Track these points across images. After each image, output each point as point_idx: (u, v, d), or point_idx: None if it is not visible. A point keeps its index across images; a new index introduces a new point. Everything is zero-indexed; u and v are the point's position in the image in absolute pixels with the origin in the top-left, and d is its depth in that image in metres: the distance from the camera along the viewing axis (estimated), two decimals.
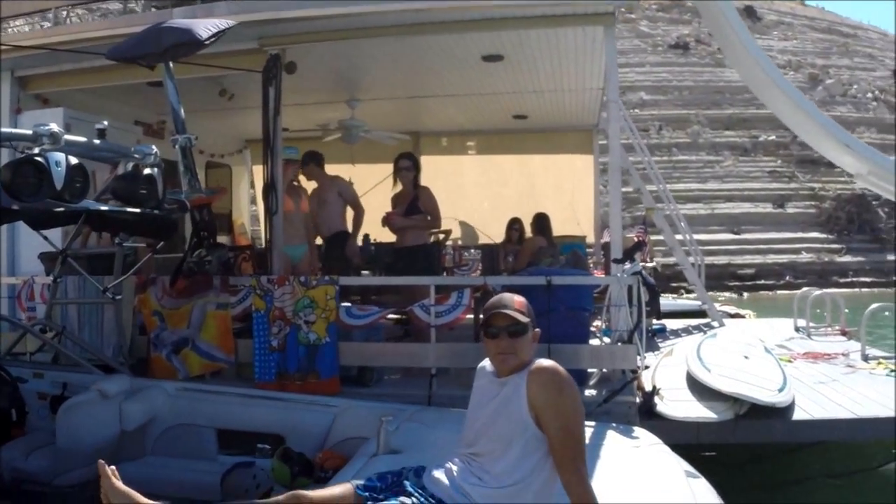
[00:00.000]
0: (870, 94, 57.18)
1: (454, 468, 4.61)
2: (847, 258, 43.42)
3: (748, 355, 11.07)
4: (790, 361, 12.40)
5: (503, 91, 14.24)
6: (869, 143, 47.41)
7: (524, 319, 4.57)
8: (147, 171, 6.49)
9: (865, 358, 12.82)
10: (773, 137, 51.42)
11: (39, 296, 10.51)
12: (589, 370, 9.74)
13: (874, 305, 14.36)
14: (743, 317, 20.41)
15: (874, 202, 46.57)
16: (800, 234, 44.93)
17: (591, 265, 16.58)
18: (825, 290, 18.86)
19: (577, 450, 4.30)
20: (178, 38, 7.38)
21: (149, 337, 9.88)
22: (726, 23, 10.65)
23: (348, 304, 10.03)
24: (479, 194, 18.81)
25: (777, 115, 11.88)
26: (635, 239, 10.39)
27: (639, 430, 7.15)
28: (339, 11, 10.08)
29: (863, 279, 41.05)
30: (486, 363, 4.85)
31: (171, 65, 7.58)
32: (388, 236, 12.21)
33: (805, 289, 20.00)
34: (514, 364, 4.53)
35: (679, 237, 18.36)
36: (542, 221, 14.69)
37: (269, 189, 10.28)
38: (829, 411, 9.43)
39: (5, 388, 7.90)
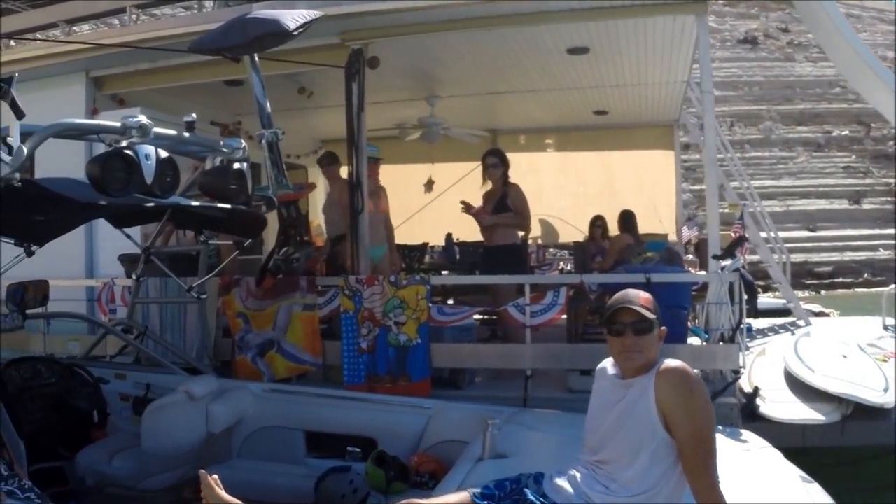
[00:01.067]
0: None
1: (578, 476, 4.37)
2: None
3: (846, 354, 10.73)
4: (885, 361, 11.99)
5: (585, 86, 13.96)
6: None
7: (651, 316, 4.33)
8: (236, 165, 6.29)
9: None
10: (846, 132, 50.92)
11: (120, 298, 10.40)
12: None
13: None
14: (827, 315, 20.00)
15: None
16: (877, 231, 44.24)
17: None
18: None
19: (708, 456, 4.04)
20: (264, 29, 7.16)
21: (233, 339, 9.75)
22: (825, 15, 10.29)
23: (439, 303, 9.82)
24: (557, 192, 18.50)
25: (876, 105, 11.52)
26: (733, 234, 10.03)
27: (746, 433, 6.91)
28: (424, 4, 9.90)
29: None
30: (608, 364, 4.60)
31: (256, 58, 7.35)
32: (473, 235, 11.97)
33: (893, 286, 19.48)
34: (640, 364, 4.29)
35: (763, 234, 18.03)
36: (628, 219, 14.35)
37: (355, 188, 10.05)
38: None
39: (86, 388, 7.84)
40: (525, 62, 12.40)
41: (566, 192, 18.83)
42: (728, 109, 52.51)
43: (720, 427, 6.91)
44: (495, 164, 11.24)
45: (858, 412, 8.62)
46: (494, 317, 10.73)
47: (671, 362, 4.25)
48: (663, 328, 4.43)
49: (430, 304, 9.37)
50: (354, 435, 7.71)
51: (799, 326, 15.54)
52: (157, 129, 5.41)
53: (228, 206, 6.92)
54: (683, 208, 20.34)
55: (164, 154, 5.36)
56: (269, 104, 7.53)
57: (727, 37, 61.51)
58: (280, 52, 8.55)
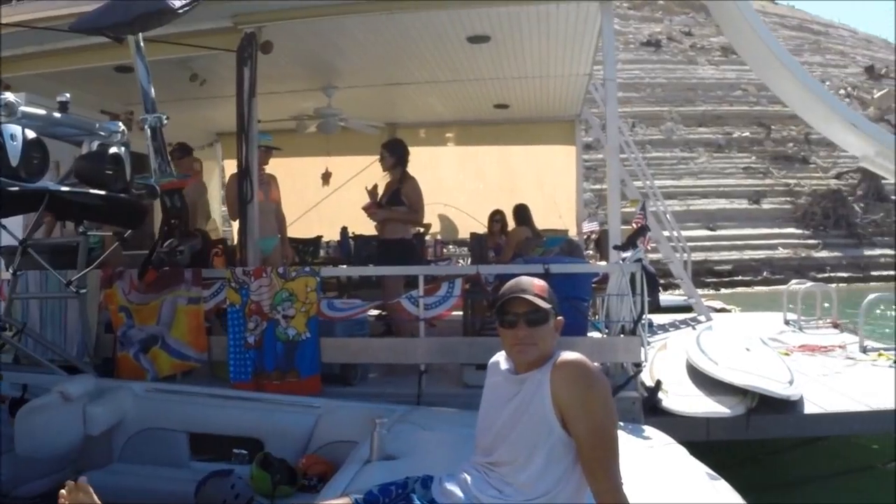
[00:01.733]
0: (842, 91, 57.22)
1: (468, 479, 4.05)
2: (823, 253, 43.48)
3: (749, 347, 10.65)
4: (788, 354, 12.03)
5: (486, 77, 13.67)
6: None
7: (545, 305, 4.00)
8: (114, 150, 5.89)
9: (864, 350, 12.55)
10: (746, 134, 51.72)
11: None
12: None
13: (872, 296, 14.18)
14: (729, 311, 20.16)
15: (849, 197, 46.80)
16: (776, 230, 44.90)
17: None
18: (815, 283, 18.54)
19: (610, 455, 3.73)
20: (148, 7, 6.78)
21: (115, 335, 9.24)
22: (738, 13, 10.17)
23: (330, 298, 9.49)
24: (457, 187, 18.28)
25: (782, 96, 11.51)
26: (634, 225, 9.79)
27: (649, 429, 6.73)
28: None
29: (839, 274, 40.84)
30: (500, 357, 4.27)
31: (141, 39, 6.97)
32: (370, 229, 11.67)
33: (794, 282, 19.68)
34: (534, 357, 3.97)
35: (665, 233, 18.06)
36: (523, 212, 14.18)
37: (243, 176, 9.62)
38: (842, 404, 9.09)
39: None
40: (425, 51, 12.08)
41: (466, 187, 18.61)
42: (630, 110, 52.83)
43: (622, 423, 6.66)
44: (386, 156, 11.05)
45: (763, 405, 8.46)
46: (386, 312, 10.40)
47: (568, 355, 3.94)
48: (559, 318, 4.11)
49: (321, 298, 8.99)
50: (240, 436, 7.42)
51: (700, 322, 15.60)
52: (25, 109, 5.06)
53: (104, 193, 6.48)
54: (584, 207, 20.27)
55: (31, 135, 4.98)
56: (153, 89, 7.14)
57: (631, 39, 62.14)
58: (169, 35, 8.41)
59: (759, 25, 10.08)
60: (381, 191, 11.20)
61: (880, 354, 12.08)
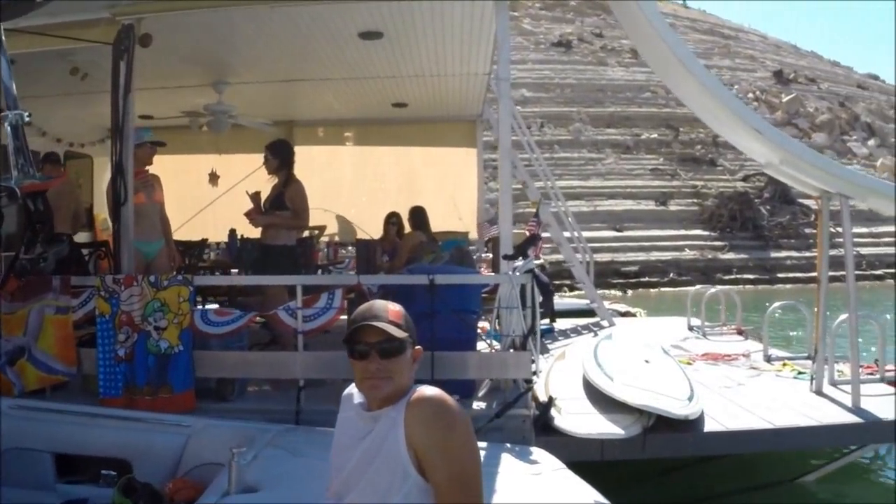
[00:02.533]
0: (751, 95, 57.94)
1: None
2: (730, 255, 43.52)
3: (648, 359, 10.35)
4: (690, 363, 11.82)
5: (383, 75, 13.28)
6: None
7: (400, 334, 3.53)
8: None
9: (768, 359, 12.39)
10: (654, 135, 51.94)
11: None
12: (477, 380, 8.71)
13: (775, 305, 13.92)
14: (633, 315, 19.98)
15: (756, 200, 47.09)
16: (683, 232, 44.91)
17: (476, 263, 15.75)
18: (719, 288, 18.38)
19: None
20: None
21: None
22: (639, 11, 9.82)
23: (205, 308, 9.01)
24: (356, 188, 17.86)
25: (685, 99, 11.20)
26: (527, 233, 9.42)
27: (538, 452, 6.33)
28: None
29: (746, 276, 40.91)
30: (354, 391, 3.80)
31: (1, 30, 6.46)
32: (257, 231, 11.20)
33: (699, 286, 19.60)
34: (388, 392, 3.50)
35: (567, 234, 17.84)
36: (419, 215, 13.73)
37: (116, 175, 9.09)
38: (742, 420, 8.78)
39: None
40: (317, 47, 11.68)
41: (365, 187, 18.17)
42: (539, 110, 52.70)
43: (509, 445, 6.27)
44: (269, 158, 10.67)
45: (662, 423, 8.10)
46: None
47: (425, 391, 3.47)
48: (418, 348, 3.66)
49: (196, 310, 8.54)
50: (108, 457, 6.95)
51: (603, 327, 15.40)
52: None
53: None
54: (490, 207, 19.98)
55: None
56: (14, 85, 6.59)
57: (541, 39, 62.11)
58: (43, 26, 8.09)
59: (662, 27, 9.74)
60: (266, 194, 10.72)
61: (785, 364, 11.87)
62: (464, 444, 3.34)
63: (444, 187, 17.79)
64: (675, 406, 8.12)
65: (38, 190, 7.79)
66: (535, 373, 8.51)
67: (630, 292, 38.13)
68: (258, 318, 9.39)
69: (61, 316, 8.55)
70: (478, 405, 8.20)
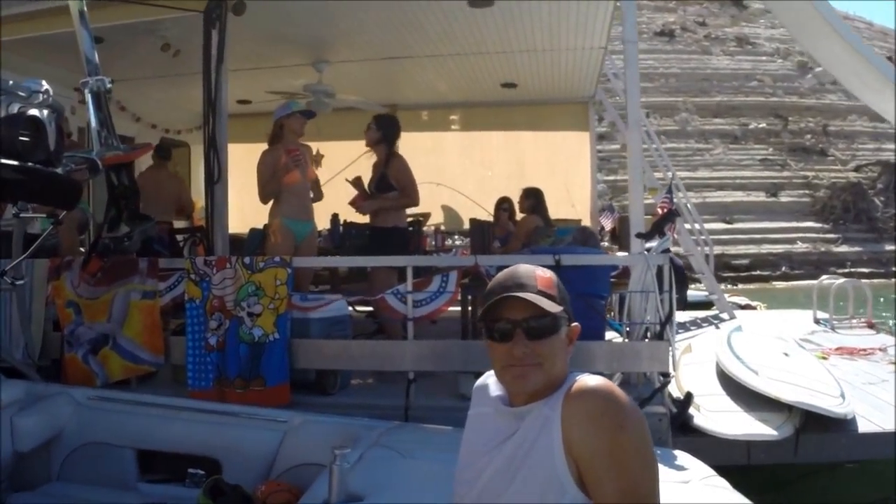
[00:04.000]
0: None
1: None
2: (844, 248, 42.66)
3: (787, 352, 9.50)
4: (825, 358, 10.88)
5: (492, 50, 12.53)
6: (860, 131, 47.07)
7: (554, 308, 2.70)
8: (33, 112, 4.73)
9: None
10: (763, 125, 51.01)
11: None
12: (606, 374, 7.80)
13: None
14: (754, 308, 19.10)
15: (870, 191, 45.97)
16: (794, 224, 44.09)
17: None
18: (847, 279, 17.44)
19: None
20: None
21: (62, 333, 8.07)
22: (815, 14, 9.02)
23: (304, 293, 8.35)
24: (462, 175, 17.12)
25: (825, 62, 10.36)
26: (659, 211, 8.58)
27: (682, 456, 5.48)
28: None
29: (861, 269, 39.70)
30: (490, 381, 2.96)
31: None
32: (361, 216, 10.54)
33: (825, 277, 18.62)
34: (539, 384, 2.67)
35: (686, 226, 17.08)
36: (535, 197, 12.94)
37: (209, 149, 8.43)
38: None
39: None
40: (423, 19, 10.98)
41: (472, 174, 17.46)
42: (644, 101, 51.59)
43: None
44: (373, 128, 10.01)
45: (810, 422, 7.25)
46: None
47: (587, 380, 2.65)
48: (575, 325, 2.83)
49: (292, 293, 7.79)
50: (195, 455, 6.29)
51: (723, 320, 14.60)
52: None
53: (19, 164, 5.30)
54: (598, 199, 19.21)
55: None
56: (96, 54, 5.99)
57: (644, 29, 61.04)
58: None
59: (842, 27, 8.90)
60: (367, 180, 10.11)
61: None
62: (637, 451, 2.50)
63: (555, 173, 16.98)
64: (833, 404, 7.26)
65: (121, 162, 7.13)
66: (674, 367, 7.72)
67: (741, 286, 37.18)
68: (362, 306, 8.74)
69: (148, 301, 7.95)
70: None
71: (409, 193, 9.92)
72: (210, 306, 7.71)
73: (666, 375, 7.38)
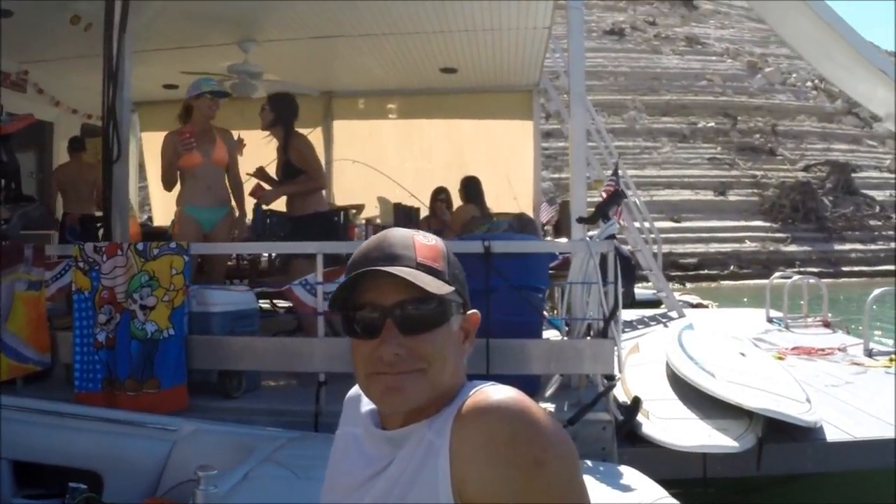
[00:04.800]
0: (809, 83, 57.48)
1: None
2: (793, 247, 43.02)
3: (743, 352, 8.93)
4: (782, 358, 10.31)
5: (429, 30, 11.79)
6: (809, 131, 47.49)
7: (440, 289, 1.82)
8: None
9: (870, 353, 10.83)
10: (711, 124, 51.69)
11: None
12: (543, 376, 7.21)
13: (876, 291, 12.64)
14: (706, 307, 18.63)
15: (819, 190, 46.39)
16: (743, 223, 44.64)
17: None
18: (801, 276, 17.05)
19: None
20: None
21: None
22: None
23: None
24: (400, 165, 16.43)
25: (789, 36, 9.73)
26: (604, 194, 7.84)
27: (630, 473, 4.84)
28: None
29: (810, 269, 39.73)
30: (360, 394, 2.10)
31: None
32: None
33: (778, 274, 18.28)
34: (418, 398, 1.80)
35: (636, 224, 16.69)
36: (472, 186, 12.40)
37: (108, 124, 7.62)
38: (869, 427, 7.10)
39: None
40: None
41: (411, 165, 16.73)
42: (592, 98, 51.71)
43: (590, 463, 4.74)
44: (265, 109, 9.43)
45: (771, 430, 6.53)
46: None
47: (490, 393, 1.75)
48: (473, 312, 1.96)
49: (189, 283, 7.03)
50: (77, 468, 5.61)
51: (672, 319, 14.05)
52: None
53: None
54: (542, 195, 18.68)
55: None
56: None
57: (593, 28, 61.58)
58: None
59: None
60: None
61: (892, 360, 10.30)
62: (562, 495, 1.70)
63: (497, 164, 16.28)
64: (800, 410, 6.54)
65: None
66: (620, 367, 7.01)
67: (689, 284, 37.08)
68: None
69: (34, 292, 7.20)
70: (544, 407, 6.59)
71: (318, 174, 9.45)
72: (99, 298, 6.90)
73: (611, 378, 6.67)
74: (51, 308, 7.49)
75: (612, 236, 6.73)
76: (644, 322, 13.64)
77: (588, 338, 6.79)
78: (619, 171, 9.04)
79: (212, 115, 9.17)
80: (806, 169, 48.49)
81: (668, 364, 8.32)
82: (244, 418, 6.17)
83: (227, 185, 9.37)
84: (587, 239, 6.78)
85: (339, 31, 11.90)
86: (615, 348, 6.59)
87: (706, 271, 40.47)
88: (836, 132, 51.45)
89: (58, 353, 7.29)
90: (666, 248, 38.03)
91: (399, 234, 1.93)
